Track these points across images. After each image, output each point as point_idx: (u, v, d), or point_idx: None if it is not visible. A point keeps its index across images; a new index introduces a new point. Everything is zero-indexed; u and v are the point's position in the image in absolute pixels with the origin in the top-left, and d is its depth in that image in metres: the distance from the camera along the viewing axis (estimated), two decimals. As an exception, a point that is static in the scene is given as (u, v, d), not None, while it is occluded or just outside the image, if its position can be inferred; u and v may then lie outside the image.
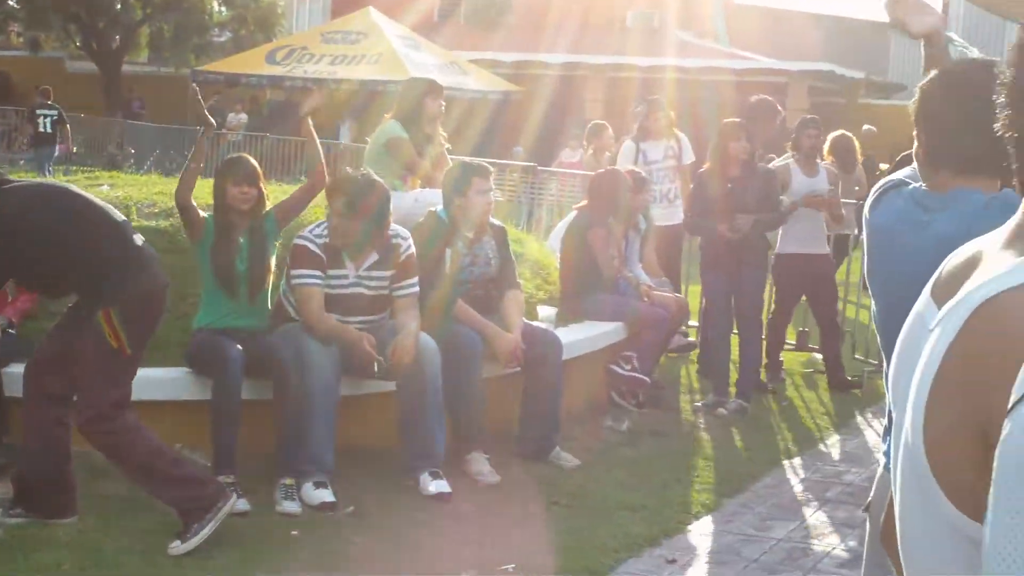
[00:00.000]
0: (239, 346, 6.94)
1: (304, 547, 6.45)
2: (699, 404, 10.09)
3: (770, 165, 11.32)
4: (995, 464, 1.39)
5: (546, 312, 8.99)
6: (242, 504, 6.73)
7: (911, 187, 3.28)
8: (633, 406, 9.59)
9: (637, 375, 9.55)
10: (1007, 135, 1.79)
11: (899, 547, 1.81)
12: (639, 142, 11.89)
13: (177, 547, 6.08)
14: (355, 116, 26.17)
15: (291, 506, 6.87)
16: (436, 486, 7.28)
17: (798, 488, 8.20)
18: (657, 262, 10.84)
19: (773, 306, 11.32)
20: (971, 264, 1.82)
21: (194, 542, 6.10)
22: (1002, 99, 1.79)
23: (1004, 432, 1.38)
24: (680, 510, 7.47)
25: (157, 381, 7.11)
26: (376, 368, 7.25)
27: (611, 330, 9.59)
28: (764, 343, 10.91)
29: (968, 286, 1.68)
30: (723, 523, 7.37)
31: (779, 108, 11.56)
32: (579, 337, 9.19)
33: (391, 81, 22.99)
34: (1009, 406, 1.38)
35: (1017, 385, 1.38)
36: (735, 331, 10.40)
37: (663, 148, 11.71)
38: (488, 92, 28.27)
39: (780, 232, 10.95)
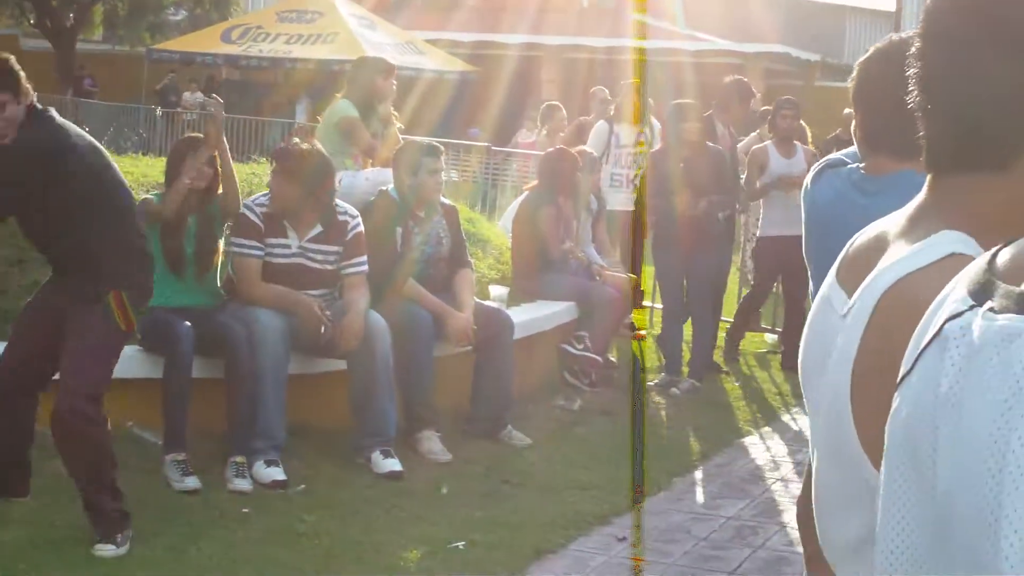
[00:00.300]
0: (189, 324, 6.93)
1: (255, 525, 6.46)
2: (652, 383, 10.13)
3: (742, 145, 11.37)
4: (885, 440, 1.41)
5: (498, 292, 9.01)
6: (192, 482, 6.74)
7: (848, 168, 3.26)
8: (585, 385, 9.61)
9: (589, 355, 9.58)
10: (915, 112, 1.81)
11: (818, 530, 1.83)
12: (613, 123, 11.92)
13: (111, 550, 5.96)
14: (311, 96, 26.03)
15: (242, 484, 6.87)
16: (387, 464, 7.29)
17: (749, 467, 8.25)
18: (617, 244, 10.89)
19: (751, 288, 11.40)
20: (876, 247, 1.82)
21: (125, 549, 6.01)
22: (910, 72, 1.80)
23: (893, 407, 1.40)
24: (631, 488, 7.51)
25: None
26: (323, 331, 7.25)
27: (563, 310, 9.61)
28: (726, 324, 11.00)
29: (876, 270, 1.70)
30: (673, 501, 7.41)
31: (753, 90, 11.59)
32: (531, 317, 9.20)
33: (347, 61, 22.89)
34: (898, 379, 1.40)
35: (905, 359, 1.40)
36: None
37: (636, 133, 11.75)
38: (446, 72, 28.19)
39: (761, 215, 11.01)
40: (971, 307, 1.31)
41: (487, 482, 7.43)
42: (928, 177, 1.82)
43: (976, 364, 1.25)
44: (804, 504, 2.08)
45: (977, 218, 1.58)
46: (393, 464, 7.30)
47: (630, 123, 11.80)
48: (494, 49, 30.92)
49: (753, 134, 12.10)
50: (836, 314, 1.80)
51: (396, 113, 9.44)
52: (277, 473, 7.00)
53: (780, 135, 10.97)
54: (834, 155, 3.48)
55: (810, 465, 2.03)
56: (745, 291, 11.90)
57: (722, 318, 11.10)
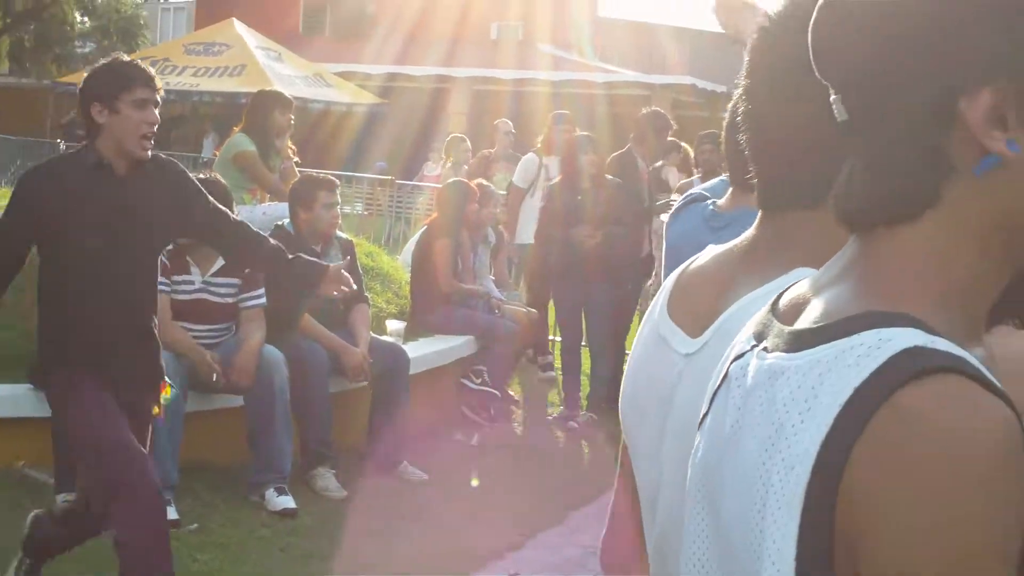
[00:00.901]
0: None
1: (144, 565, 6.38)
2: (550, 417, 10.15)
3: (652, 171, 11.41)
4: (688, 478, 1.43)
5: (395, 326, 9.00)
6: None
7: (704, 203, 3.27)
8: (484, 420, 9.62)
9: (488, 389, 9.60)
10: (745, 150, 1.85)
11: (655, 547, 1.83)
12: (542, 156, 11.91)
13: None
14: (218, 129, 25.92)
15: (133, 523, 6.78)
16: (281, 502, 7.26)
17: (645, 500, 8.26)
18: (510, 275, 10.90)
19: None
20: (711, 281, 1.85)
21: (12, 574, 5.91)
22: (740, 112, 1.84)
23: (695, 446, 1.43)
24: (527, 523, 7.51)
25: (0, 398, 7.02)
26: (215, 379, 7.22)
27: (461, 344, 9.62)
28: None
29: (730, 312, 1.72)
30: (568, 535, 7.42)
31: (671, 122, 11.64)
32: (428, 351, 9.20)
33: (261, 91, 22.82)
34: (699, 420, 1.43)
35: (706, 399, 1.42)
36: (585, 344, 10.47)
37: None
38: (354, 105, 28.14)
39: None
40: (752, 347, 1.34)
41: (383, 518, 7.40)
42: (760, 212, 1.86)
43: (749, 403, 1.29)
44: (614, 549, 2.09)
45: (811, 253, 1.61)
46: (287, 501, 7.26)
47: (559, 155, 11.74)
48: (404, 81, 30.94)
49: (660, 163, 12.14)
50: (675, 352, 1.82)
51: (293, 147, 9.43)
52: (169, 512, 6.93)
53: (705, 169, 11.04)
54: (696, 189, 3.50)
55: (615, 503, 2.04)
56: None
57: (627, 351, 11.13)
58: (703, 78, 30.91)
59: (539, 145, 12.21)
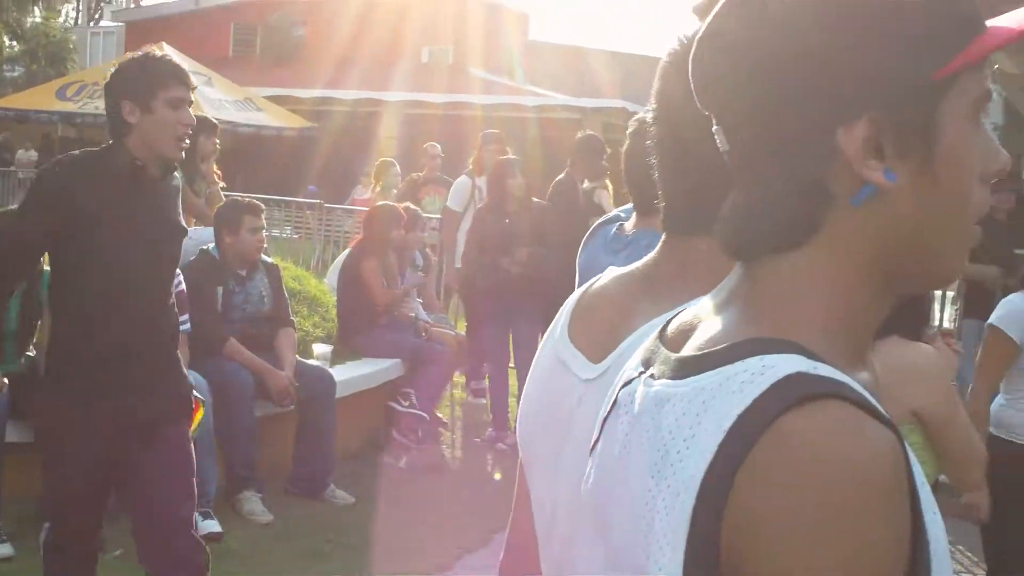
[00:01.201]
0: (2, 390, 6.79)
1: (67, 592, 6.33)
2: (479, 439, 10.14)
3: (586, 189, 11.41)
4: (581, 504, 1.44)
5: (321, 349, 8.98)
6: (6, 549, 6.60)
7: (612, 226, 3.26)
8: (412, 442, 9.60)
9: (416, 411, 9.58)
10: (654, 174, 1.86)
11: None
12: (474, 177, 11.87)
13: None
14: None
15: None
16: (207, 526, 7.20)
17: (572, 520, 8.27)
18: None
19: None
20: (614, 306, 1.85)
21: None
22: (651, 136, 1.86)
23: (586, 472, 1.44)
24: (454, 545, 7.51)
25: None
26: None
27: (389, 367, 9.60)
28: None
29: (632, 339, 1.72)
30: (496, 557, 7.37)
31: (605, 146, 11.64)
32: (355, 374, 9.19)
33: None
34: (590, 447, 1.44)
35: (597, 425, 1.44)
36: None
37: None
38: (285, 129, 28.09)
39: None
40: (640, 374, 1.35)
41: (310, 542, 7.38)
42: (663, 236, 1.87)
43: (637, 430, 1.29)
44: (512, 573, 2.09)
45: (714, 281, 1.56)
46: (212, 526, 7.22)
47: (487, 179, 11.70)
48: (334, 105, 30.83)
49: (592, 186, 12.13)
50: (575, 376, 1.82)
51: (218, 172, 9.40)
52: (211, 526, 6.97)
53: None
54: (613, 212, 3.49)
55: (512, 527, 2.04)
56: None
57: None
58: (635, 102, 30.99)
59: (470, 167, 12.18)
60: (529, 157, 15.43)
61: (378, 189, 14.89)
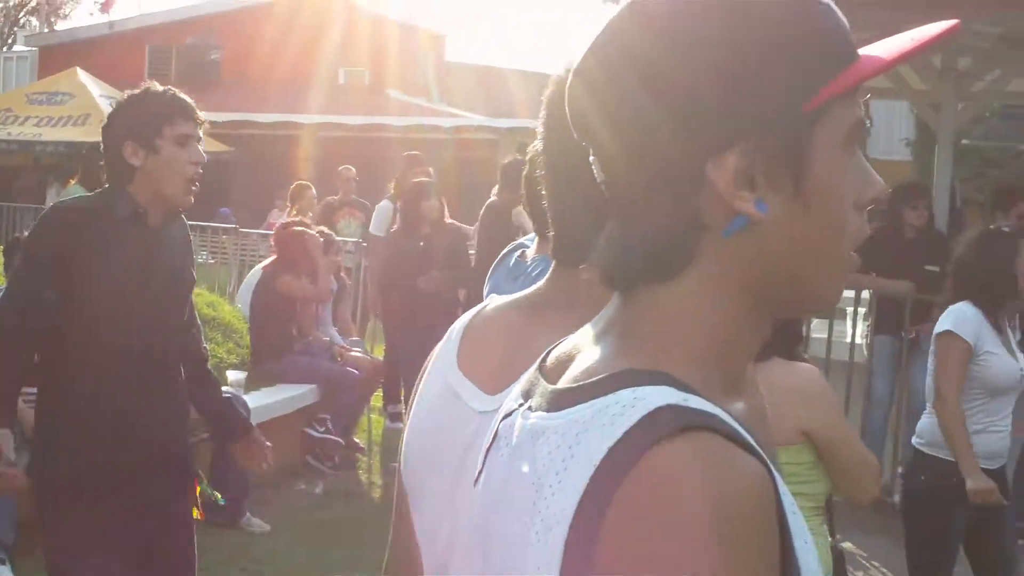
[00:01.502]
0: None
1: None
2: (395, 464, 10.10)
3: (521, 222, 11.40)
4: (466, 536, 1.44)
5: (235, 376, 8.91)
6: (6, 572, 6.51)
7: (516, 253, 3.24)
8: (328, 468, 9.56)
9: (331, 437, 9.55)
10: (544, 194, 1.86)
11: None
12: (396, 201, 11.80)
13: None
14: (61, 180, 25.54)
15: None
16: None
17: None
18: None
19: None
20: (505, 335, 1.85)
21: None
22: (541, 158, 1.86)
23: (472, 505, 1.43)
24: (372, 571, 7.46)
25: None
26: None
27: (304, 392, 9.56)
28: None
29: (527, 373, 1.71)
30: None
31: (422, 162, 11.65)
32: (270, 400, 9.13)
33: (98, 143, 22.51)
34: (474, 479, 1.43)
35: (480, 457, 1.43)
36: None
37: None
38: (200, 152, 27.95)
39: None
40: (520, 405, 1.35)
41: (225, 570, 7.32)
42: (554, 264, 1.87)
43: (514, 463, 1.29)
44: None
45: (600, 308, 1.61)
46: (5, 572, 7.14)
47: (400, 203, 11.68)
48: (250, 128, 30.71)
49: (519, 209, 12.17)
50: (468, 408, 1.81)
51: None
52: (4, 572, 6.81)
53: None
54: (520, 239, 3.47)
55: (391, 555, 2.03)
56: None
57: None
58: (549, 122, 31.11)
59: (392, 190, 12.16)
60: (446, 178, 15.44)
61: (294, 212, 14.84)
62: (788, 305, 1.37)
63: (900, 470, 6.98)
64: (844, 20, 1.33)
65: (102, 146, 4.48)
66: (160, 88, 4.54)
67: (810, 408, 4.49)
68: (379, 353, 11.52)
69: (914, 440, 6.29)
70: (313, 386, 9.63)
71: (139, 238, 4.44)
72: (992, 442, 5.95)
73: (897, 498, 8.95)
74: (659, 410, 1.17)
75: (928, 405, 6.23)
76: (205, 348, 5.09)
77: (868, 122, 1.34)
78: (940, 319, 6.18)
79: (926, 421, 6.18)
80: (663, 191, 1.29)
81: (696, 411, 1.18)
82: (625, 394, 1.20)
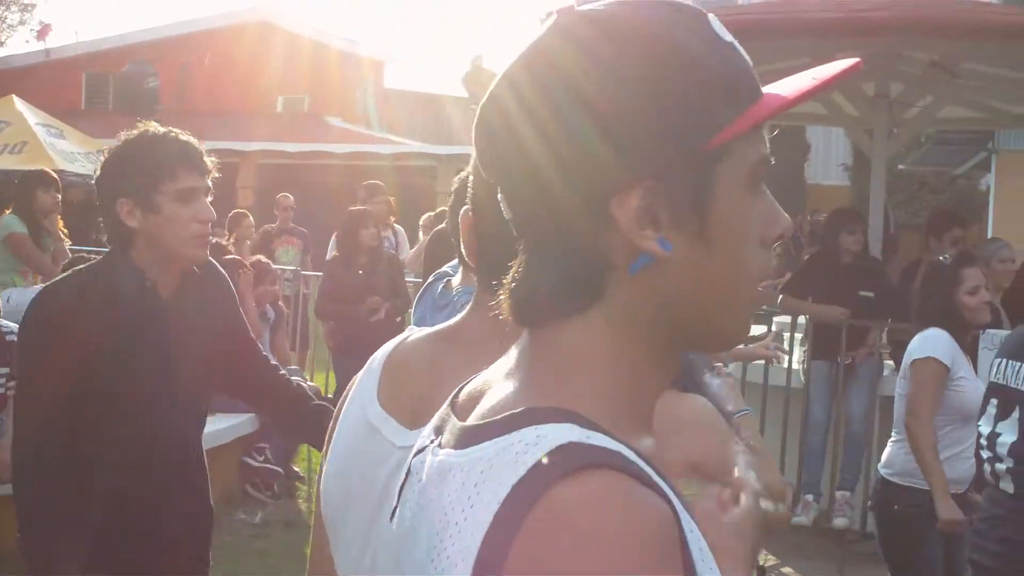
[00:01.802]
0: None
1: None
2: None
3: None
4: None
5: (173, 406, 8.87)
6: None
7: (441, 283, 3.25)
8: (268, 497, 9.52)
9: (271, 466, 9.50)
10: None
11: None
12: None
13: None
14: (-3, 208, 25.34)
15: None
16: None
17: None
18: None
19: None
20: (426, 368, 1.85)
21: None
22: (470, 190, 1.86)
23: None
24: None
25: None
26: None
27: (243, 421, 9.50)
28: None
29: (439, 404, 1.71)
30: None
31: (383, 191, 11.64)
32: (210, 430, 8.89)
33: (34, 171, 22.33)
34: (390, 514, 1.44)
35: (396, 493, 1.44)
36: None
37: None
38: (139, 181, 27.79)
39: None
40: (431, 442, 1.36)
41: (162, 602, 7.26)
42: (475, 294, 1.88)
43: (423, 499, 1.30)
44: None
45: None
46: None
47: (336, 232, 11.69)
48: (188, 156, 30.57)
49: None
50: (388, 442, 1.81)
51: (65, 230, 9.28)
52: None
53: None
54: (445, 267, 3.47)
55: None
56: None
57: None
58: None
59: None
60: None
61: (232, 241, 14.78)
62: (694, 342, 1.38)
63: (870, 502, 7.01)
64: (747, 59, 1.34)
65: (97, 201, 3.87)
66: (160, 131, 3.87)
67: (696, 439, 4.50)
68: (319, 382, 11.49)
69: (882, 470, 6.32)
70: (251, 415, 9.56)
71: (152, 317, 3.84)
72: (961, 469, 6.01)
73: (837, 522, 9.02)
74: (561, 448, 1.17)
75: (894, 433, 6.28)
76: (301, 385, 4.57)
77: (771, 160, 1.35)
78: (914, 343, 6.23)
79: (894, 450, 6.23)
80: (568, 227, 1.29)
81: (598, 448, 1.18)
82: (528, 432, 1.21)
